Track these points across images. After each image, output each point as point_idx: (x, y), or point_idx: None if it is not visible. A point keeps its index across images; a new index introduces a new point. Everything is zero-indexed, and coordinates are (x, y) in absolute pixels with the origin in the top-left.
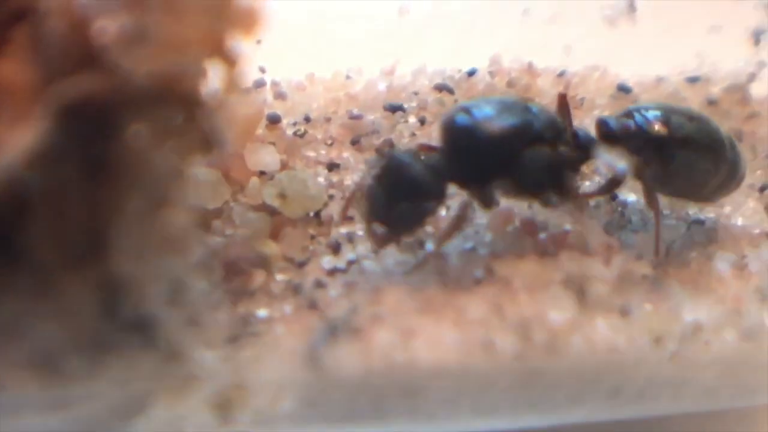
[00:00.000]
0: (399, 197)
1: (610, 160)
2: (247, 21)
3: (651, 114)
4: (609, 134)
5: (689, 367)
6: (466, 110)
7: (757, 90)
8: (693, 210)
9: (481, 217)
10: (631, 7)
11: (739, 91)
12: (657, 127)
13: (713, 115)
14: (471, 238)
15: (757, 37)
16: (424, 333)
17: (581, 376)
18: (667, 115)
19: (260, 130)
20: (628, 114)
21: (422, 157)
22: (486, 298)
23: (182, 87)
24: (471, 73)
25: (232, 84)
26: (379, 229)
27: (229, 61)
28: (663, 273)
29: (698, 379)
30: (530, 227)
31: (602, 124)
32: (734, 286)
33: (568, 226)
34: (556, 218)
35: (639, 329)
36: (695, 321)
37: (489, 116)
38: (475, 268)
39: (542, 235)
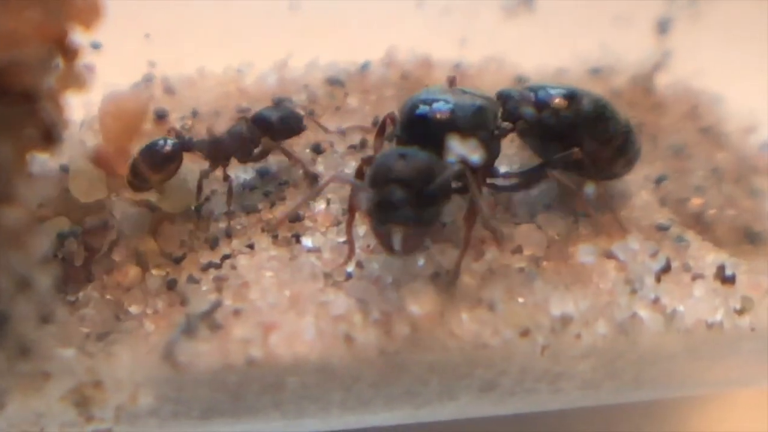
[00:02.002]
0: (425, 189)
1: (462, 152)
2: (87, 15)
3: (552, 90)
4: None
5: (563, 360)
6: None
7: (663, 80)
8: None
9: None
10: None
11: (643, 81)
12: (557, 100)
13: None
14: (342, 232)
15: (662, 27)
16: (283, 328)
17: (450, 370)
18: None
19: (148, 125)
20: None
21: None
22: (352, 293)
23: (20, 81)
24: (364, 66)
25: (72, 78)
26: (400, 232)
27: (69, 55)
28: (540, 266)
29: (574, 372)
30: None
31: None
32: (608, 279)
33: (445, 220)
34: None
35: (505, 322)
36: (564, 314)
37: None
38: (347, 263)
39: None
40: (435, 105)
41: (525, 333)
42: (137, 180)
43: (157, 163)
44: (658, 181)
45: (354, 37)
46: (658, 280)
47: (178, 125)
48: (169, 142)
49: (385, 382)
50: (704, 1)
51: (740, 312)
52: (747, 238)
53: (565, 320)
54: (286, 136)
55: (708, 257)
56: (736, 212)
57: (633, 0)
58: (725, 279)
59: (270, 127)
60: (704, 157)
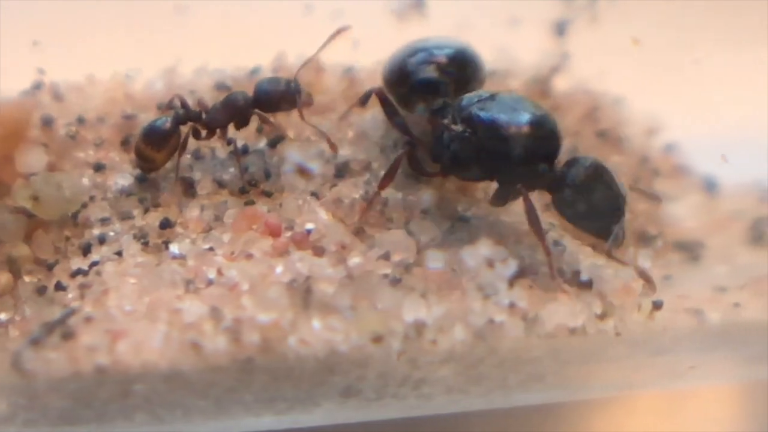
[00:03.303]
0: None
1: (300, 159)
2: None
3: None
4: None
5: (422, 365)
6: None
7: (562, 83)
8: (462, 207)
9: (229, 217)
10: (419, 1)
11: (540, 84)
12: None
13: None
14: (210, 239)
15: (560, 29)
16: (132, 336)
17: (305, 377)
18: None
19: (35, 132)
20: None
21: None
22: (208, 300)
23: None
24: (254, 71)
25: None
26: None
27: None
28: (410, 272)
29: (436, 377)
30: (274, 228)
31: None
32: (462, 285)
33: (309, 226)
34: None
35: (358, 329)
36: (417, 320)
37: None
38: (209, 270)
39: (287, 235)
40: None
41: (378, 339)
42: (144, 162)
43: (158, 141)
44: None
45: (244, 42)
46: (511, 285)
47: (63, 132)
48: (166, 119)
49: (240, 389)
50: (603, 3)
51: (602, 317)
52: (641, 242)
53: (419, 326)
54: (279, 109)
55: (585, 262)
56: (631, 216)
57: (529, 1)
58: (581, 284)
59: (267, 100)
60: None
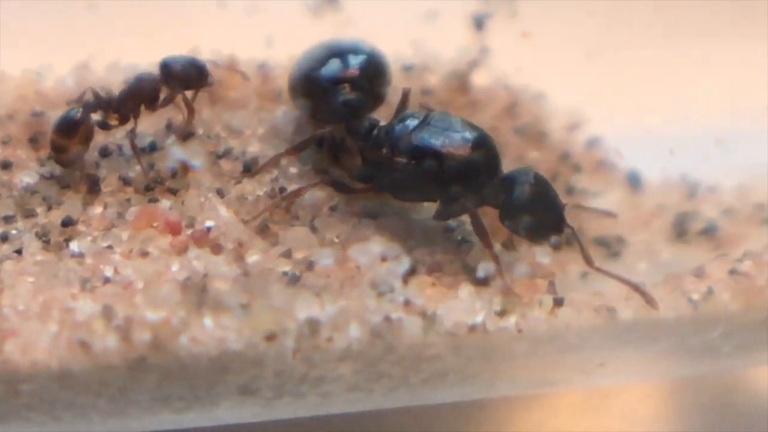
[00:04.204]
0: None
1: (183, 156)
2: None
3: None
4: None
5: (318, 364)
6: None
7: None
8: (369, 204)
9: (131, 214)
10: None
11: (458, 79)
12: None
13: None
14: (110, 237)
15: (478, 23)
16: (21, 336)
17: (199, 376)
18: None
19: None
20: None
21: None
22: (101, 299)
23: None
24: None
25: None
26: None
27: None
28: (313, 270)
29: (335, 375)
30: (174, 225)
31: None
32: (355, 283)
33: (210, 224)
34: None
35: (251, 327)
36: (310, 318)
37: None
38: (106, 268)
39: (187, 233)
40: None
41: (271, 337)
42: (58, 153)
43: (69, 131)
44: None
45: (158, 38)
46: (406, 282)
47: None
48: (78, 109)
49: (134, 388)
50: None
51: (501, 314)
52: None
53: (313, 324)
54: (188, 86)
55: (487, 260)
56: None
57: None
58: (477, 281)
59: (174, 75)
60: (516, 155)
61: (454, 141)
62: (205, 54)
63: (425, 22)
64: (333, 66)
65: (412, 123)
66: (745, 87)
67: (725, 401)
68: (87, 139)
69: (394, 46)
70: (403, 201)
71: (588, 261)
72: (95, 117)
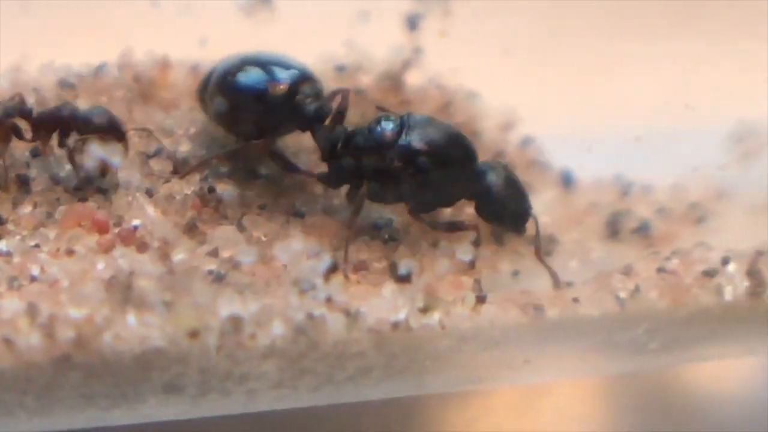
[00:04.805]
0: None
1: (102, 154)
2: None
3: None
4: None
5: (242, 361)
6: None
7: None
8: (299, 202)
9: (60, 214)
10: None
11: (391, 78)
12: None
13: (361, 105)
14: (38, 236)
15: (411, 23)
16: None
17: (124, 373)
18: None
19: None
20: None
21: None
22: (27, 297)
23: None
24: (100, 68)
25: None
26: None
27: None
28: (232, 268)
29: (260, 372)
30: (101, 224)
31: None
32: (278, 280)
33: (136, 222)
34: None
35: (173, 324)
36: (233, 315)
37: None
38: (33, 267)
39: (115, 231)
40: None
41: (194, 334)
42: None
43: None
44: None
45: (90, 39)
46: (327, 280)
47: None
48: None
49: (59, 385)
50: None
51: (424, 311)
52: (494, 237)
53: (235, 321)
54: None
55: (413, 258)
56: None
57: None
58: (399, 278)
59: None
60: None
61: (440, 140)
62: (138, 54)
63: (358, 23)
64: (286, 75)
65: (389, 126)
66: (677, 85)
67: (658, 399)
68: (4, 140)
69: (327, 47)
70: (381, 203)
71: (537, 250)
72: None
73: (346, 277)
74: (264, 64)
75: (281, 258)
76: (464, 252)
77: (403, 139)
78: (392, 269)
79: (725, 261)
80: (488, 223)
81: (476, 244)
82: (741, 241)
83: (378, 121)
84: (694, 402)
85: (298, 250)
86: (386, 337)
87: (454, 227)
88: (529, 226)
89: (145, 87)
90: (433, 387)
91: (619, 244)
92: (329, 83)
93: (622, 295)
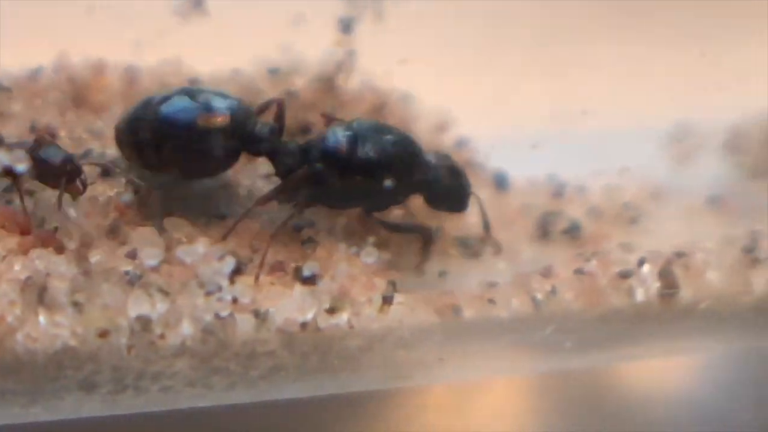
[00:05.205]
0: None
1: (8, 163)
2: None
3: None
4: None
5: (154, 360)
6: None
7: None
8: (222, 204)
9: None
10: (198, 0)
11: (325, 81)
12: None
13: (293, 107)
14: None
15: (345, 26)
16: None
17: (39, 372)
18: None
19: None
20: None
21: None
22: None
23: None
24: (37, 71)
25: None
26: None
27: None
28: (150, 269)
29: (173, 371)
30: (23, 226)
31: None
32: (185, 282)
33: (57, 224)
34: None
35: (84, 324)
36: (141, 315)
37: None
38: None
39: (36, 233)
40: None
41: (104, 334)
42: None
43: None
44: None
45: (26, 41)
46: (232, 281)
47: None
48: None
49: None
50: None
51: (331, 311)
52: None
53: (145, 322)
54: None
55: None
56: (404, 211)
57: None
58: (304, 280)
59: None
60: None
61: (393, 145)
62: (74, 58)
63: (292, 26)
64: (225, 103)
65: (343, 137)
66: (613, 87)
67: (592, 397)
68: None
69: (261, 50)
70: (340, 209)
71: (486, 227)
72: None
73: (257, 278)
74: (190, 97)
75: (186, 261)
76: (368, 255)
77: (360, 151)
78: (297, 272)
79: (641, 262)
80: (435, 210)
81: (427, 244)
82: (672, 242)
83: (331, 133)
84: (627, 401)
85: (203, 253)
86: (295, 337)
87: (407, 229)
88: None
89: (78, 90)
90: (350, 386)
91: (548, 245)
92: (263, 86)
93: (539, 296)
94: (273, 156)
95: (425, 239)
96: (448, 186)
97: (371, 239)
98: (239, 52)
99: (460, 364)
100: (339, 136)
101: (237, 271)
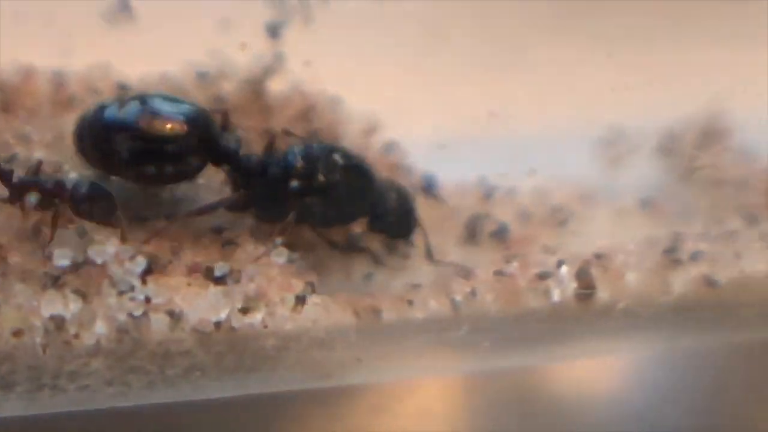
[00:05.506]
0: None
1: None
2: None
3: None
4: None
5: (69, 359)
6: None
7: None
8: (145, 206)
9: None
10: (125, 5)
11: (253, 85)
12: None
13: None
14: None
15: (273, 30)
16: None
17: None
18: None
19: None
20: None
21: None
22: None
23: None
24: None
25: None
26: None
27: None
28: (66, 271)
29: (90, 370)
30: None
31: None
32: (98, 282)
33: None
34: None
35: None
36: (54, 315)
37: None
38: None
39: None
40: None
41: (18, 333)
42: None
43: None
44: None
45: None
46: (144, 282)
47: None
48: None
49: None
50: (316, 3)
51: (244, 311)
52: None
53: (58, 321)
54: None
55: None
56: None
57: (241, 2)
58: (216, 280)
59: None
60: None
61: (349, 169)
62: (2, 63)
63: (220, 30)
64: (193, 111)
65: (300, 158)
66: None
67: (522, 398)
68: None
69: (189, 54)
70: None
71: (428, 254)
72: None
73: (166, 277)
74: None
75: (97, 261)
76: (278, 255)
77: (316, 171)
78: (208, 272)
79: (560, 264)
80: (379, 233)
81: (376, 262)
82: (597, 245)
83: (290, 153)
84: (557, 401)
85: (113, 253)
86: (210, 336)
87: (352, 248)
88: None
89: (6, 95)
90: (269, 385)
91: (476, 248)
92: (191, 91)
93: (458, 297)
94: (234, 168)
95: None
96: (395, 215)
97: (279, 240)
98: (168, 56)
99: (379, 364)
100: (296, 157)
101: (149, 271)
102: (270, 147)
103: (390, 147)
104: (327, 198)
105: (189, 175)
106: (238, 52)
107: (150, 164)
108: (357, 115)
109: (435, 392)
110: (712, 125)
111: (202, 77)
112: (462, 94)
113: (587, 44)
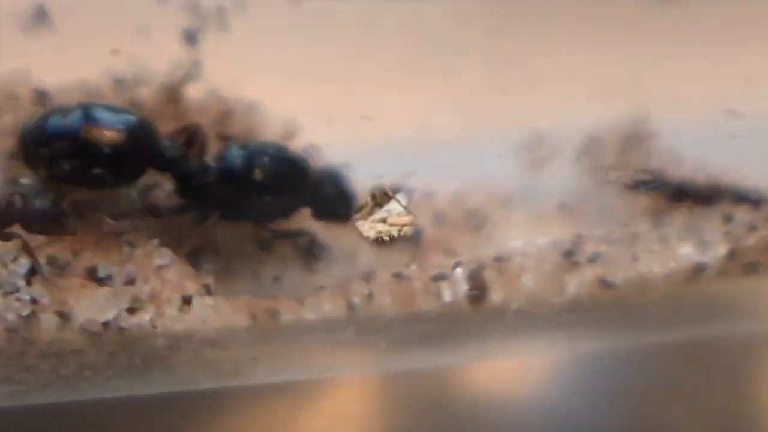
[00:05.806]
0: None
1: None
2: None
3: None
4: None
5: None
6: None
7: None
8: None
9: None
10: (42, 12)
11: (169, 91)
12: None
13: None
14: None
15: (189, 37)
16: None
17: None
18: None
19: None
20: None
21: None
22: None
23: None
24: None
25: None
26: None
27: None
28: None
29: None
30: None
31: None
32: None
33: None
34: None
35: None
36: None
37: None
38: None
39: None
40: None
41: None
42: None
43: None
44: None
45: None
46: (30, 283)
47: None
48: None
49: None
50: (232, 10)
51: (132, 311)
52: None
53: None
54: None
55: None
56: None
57: (158, 9)
58: (99, 280)
59: None
60: None
61: (288, 165)
62: None
63: (137, 37)
64: (130, 118)
65: (240, 158)
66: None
67: (439, 398)
68: None
69: (106, 61)
70: (232, 221)
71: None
72: None
73: (61, 278)
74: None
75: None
76: (161, 256)
77: (255, 169)
78: (91, 272)
79: (456, 266)
80: (321, 221)
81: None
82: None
83: (229, 154)
84: (474, 402)
85: None
86: (100, 336)
87: (290, 235)
88: None
89: None
90: (165, 384)
91: (388, 250)
92: (109, 96)
93: (356, 299)
94: (177, 174)
95: (307, 243)
96: (332, 200)
97: (155, 240)
98: (85, 63)
99: (277, 364)
100: (235, 157)
101: (33, 272)
102: (191, 142)
103: (308, 151)
104: (268, 193)
105: (128, 180)
106: (156, 58)
107: (89, 169)
108: (274, 120)
109: (352, 392)
110: (636, 129)
111: (120, 83)
112: (378, 100)
113: (510, 46)
